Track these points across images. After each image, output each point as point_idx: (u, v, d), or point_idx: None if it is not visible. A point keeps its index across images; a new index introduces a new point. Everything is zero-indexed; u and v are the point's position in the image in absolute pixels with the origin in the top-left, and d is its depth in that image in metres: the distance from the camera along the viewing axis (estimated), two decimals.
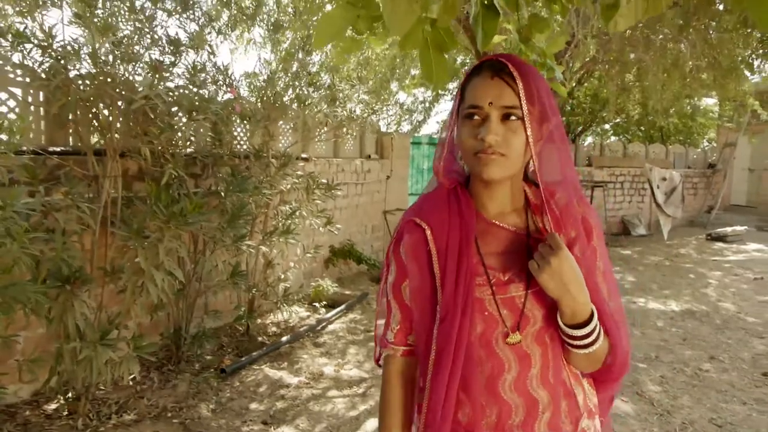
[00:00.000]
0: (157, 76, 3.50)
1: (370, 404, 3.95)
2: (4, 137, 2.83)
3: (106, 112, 3.43)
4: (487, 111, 1.15)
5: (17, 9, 3.76)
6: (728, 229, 12.80)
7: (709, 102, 17.93)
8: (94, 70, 3.44)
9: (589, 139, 18.89)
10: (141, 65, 3.58)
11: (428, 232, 1.25)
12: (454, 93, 1.31)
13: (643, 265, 9.57)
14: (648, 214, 13.40)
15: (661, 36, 7.49)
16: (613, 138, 19.99)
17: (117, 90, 3.37)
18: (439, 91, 12.08)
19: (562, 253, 1.13)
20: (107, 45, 3.30)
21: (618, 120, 17.38)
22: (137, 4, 3.60)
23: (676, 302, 7.10)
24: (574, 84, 10.97)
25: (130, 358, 3.36)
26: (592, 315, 1.17)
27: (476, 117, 1.17)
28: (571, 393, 1.27)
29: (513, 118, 1.15)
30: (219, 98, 4.18)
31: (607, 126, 19.59)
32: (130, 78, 3.53)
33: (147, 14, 3.51)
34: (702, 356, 5.11)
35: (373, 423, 3.69)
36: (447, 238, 1.23)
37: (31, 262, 2.89)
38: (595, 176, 12.41)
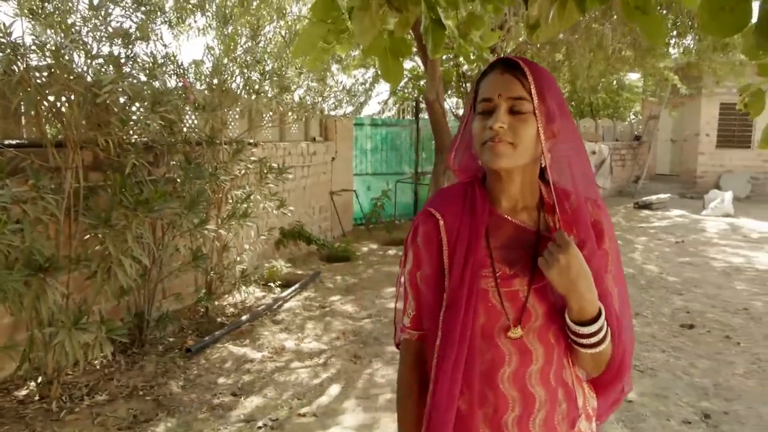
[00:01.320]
0: (116, 69, 3.62)
1: (331, 372, 4.25)
2: None
3: (66, 105, 3.54)
4: (496, 102, 1.20)
5: None
6: (653, 197, 13.67)
7: (634, 77, 18.86)
8: (51, 64, 3.55)
9: None
10: (99, 60, 3.69)
11: (441, 222, 1.30)
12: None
13: None
14: None
15: (587, 17, 7.97)
16: None
17: (78, 84, 3.50)
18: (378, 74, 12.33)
19: (571, 249, 1.16)
20: (65, 40, 3.41)
21: None
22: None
23: None
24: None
25: (102, 340, 3.54)
26: (599, 313, 1.19)
27: (487, 110, 1.22)
28: (572, 395, 1.29)
29: (521, 109, 1.19)
30: (170, 87, 4.31)
31: None
32: (89, 71, 3.65)
33: (100, 8, 3.61)
34: (628, 308, 5.63)
35: (335, 388, 3.99)
36: (458, 229, 1.28)
37: (4, 252, 3.03)
38: None
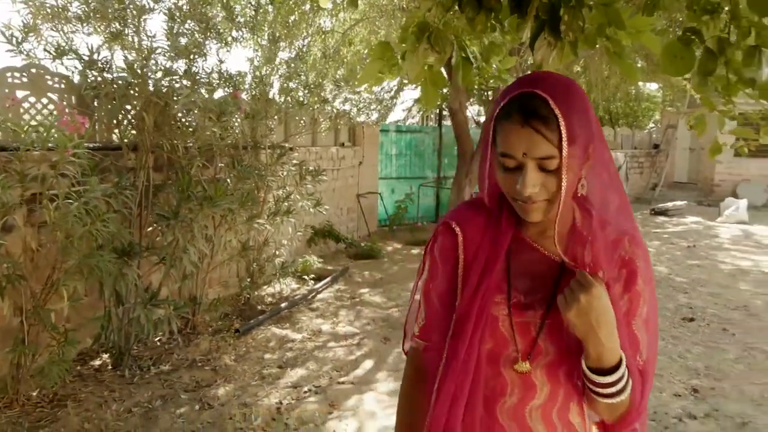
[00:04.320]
0: (191, 84, 4.23)
1: (364, 350, 4.82)
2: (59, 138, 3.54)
3: (144, 114, 4.14)
4: (522, 160, 1.08)
5: (52, 27, 4.43)
6: (669, 204, 14.03)
7: (653, 87, 19.21)
8: (130, 81, 4.16)
9: None
10: (176, 77, 4.30)
11: (460, 238, 1.24)
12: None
13: None
14: None
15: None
16: None
17: (157, 97, 4.11)
18: (403, 81, 12.89)
19: (594, 290, 1.07)
20: (147, 61, 4.03)
21: None
22: (165, 25, 4.31)
23: None
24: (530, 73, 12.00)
25: (171, 316, 4.13)
26: (620, 362, 1.10)
27: (511, 166, 1.11)
28: None
29: (551, 167, 1.07)
30: (228, 99, 4.90)
31: None
32: (164, 86, 4.26)
33: (175, 33, 4.22)
34: None
35: (369, 363, 4.55)
36: (477, 248, 1.21)
37: (96, 238, 3.63)
38: None
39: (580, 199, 1.19)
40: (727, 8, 1.75)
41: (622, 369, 1.10)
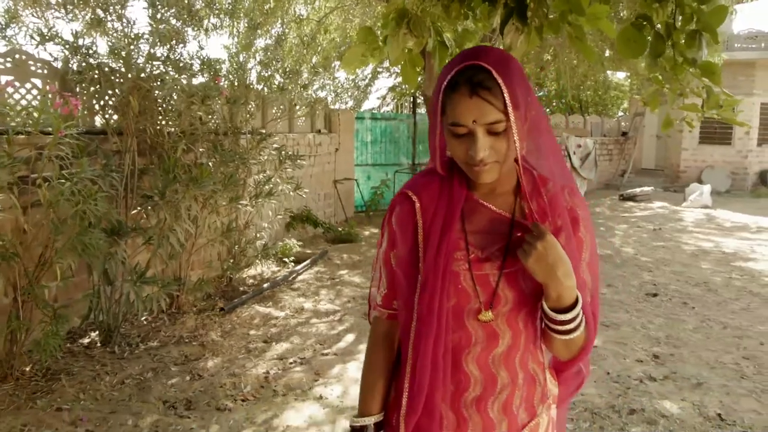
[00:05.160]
0: (176, 70, 4.37)
1: (346, 326, 5.03)
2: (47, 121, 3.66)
3: (131, 99, 4.26)
4: (471, 128, 1.17)
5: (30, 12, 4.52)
6: (637, 190, 14.47)
7: (621, 76, 19.67)
8: (119, 66, 4.28)
9: None
10: (158, 62, 4.43)
11: (417, 205, 1.32)
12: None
13: None
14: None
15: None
16: None
17: (144, 82, 4.23)
18: (377, 70, 13.07)
19: (548, 237, 1.17)
20: (132, 47, 4.15)
21: (540, 93, 18.90)
22: (146, 12, 4.43)
23: None
24: None
25: (159, 294, 4.28)
26: (576, 300, 1.21)
27: (461, 134, 1.19)
28: (534, 381, 1.32)
29: (499, 129, 1.17)
30: (210, 84, 5.04)
31: None
32: (148, 71, 4.39)
33: (159, 19, 4.35)
34: (601, 285, 6.37)
35: (351, 337, 4.76)
36: (434, 211, 1.29)
37: (87, 218, 3.76)
38: None
39: (521, 158, 1.27)
40: None
41: (579, 306, 1.21)
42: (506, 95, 1.15)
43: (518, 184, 1.31)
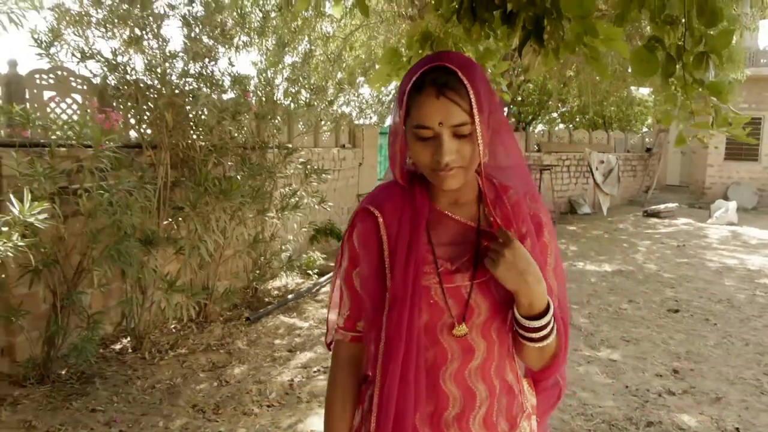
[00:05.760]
0: (210, 87, 4.57)
1: None
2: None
3: (166, 114, 4.46)
4: (438, 130, 1.14)
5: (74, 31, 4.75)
6: (661, 206, 14.39)
7: (645, 92, 19.62)
8: (155, 82, 4.49)
9: (540, 127, 20.40)
10: (191, 79, 4.63)
11: (380, 220, 1.27)
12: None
13: (585, 238, 10.95)
14: (592, 195, 14.87)
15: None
16: (561, 125, 21.58)
17: (178, 98, 4.43)
18: None
19: (515, 244, 1.15)
20: (167, 65, 4.35)
21: (564, 109, 18.94)
22: (180, 30, 4.65)
23: (609, 264, 8.47)
24: (522, 79, 12.35)
25: (190, 302, 4.45)
26: (548, 306, 1.19)
27: (426, 137, 1.16)
28: (512, 391, 1.29)
29: (464, 132, 1.15)
30: (241, 100, 5.22)
31: (555, 114, 21.13)
32: (185, 88, 4.59)
33: (194, 39, 4.55)
34: (623, 300, 6.46)
35: None
36: (398, 226, 1.25)
37: (126, 227, 3.94)
38: (544, 160, 13.79)
39: (483, 166, 1.24)
40: (683, 20, 2.08)
41: (551, 313, 1.19)
42: (472, 97, 1.13)
43: (480, 193, 1.30)
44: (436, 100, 1.13)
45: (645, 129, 22.05)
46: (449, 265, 1.24)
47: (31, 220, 2.77)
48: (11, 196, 2.92)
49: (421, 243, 1.23)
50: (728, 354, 4.82)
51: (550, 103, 15.95)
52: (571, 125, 20.61)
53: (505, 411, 1.27)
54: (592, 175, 13.20)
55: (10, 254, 2.62)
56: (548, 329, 1.19)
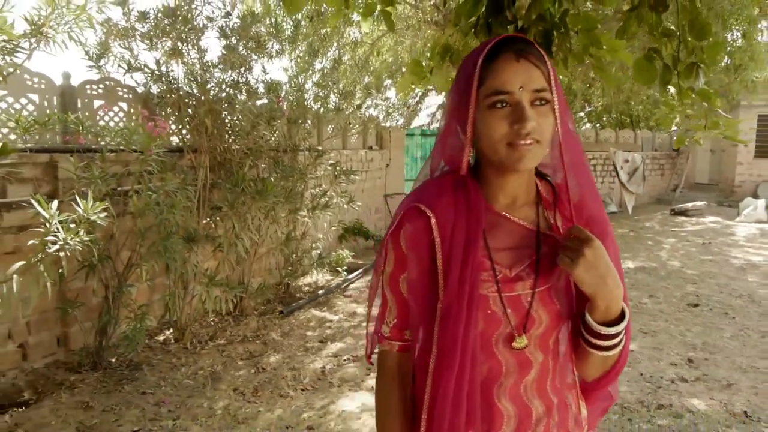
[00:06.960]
0: (248, 95, 4.89)
1: None
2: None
3: (206, 120, 4.79)
4: (518, 97, 1.06)
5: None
6: (689, 205, 14.37)
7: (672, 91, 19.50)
8: (195, 91, 4.82)
9: None
10: (229, 86, 4.96)
11: (433, 220, 1.15)
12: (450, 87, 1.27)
13: None
14: (618, 194, 14.93)
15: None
16: (588, 125, 21.58)
17: (217, 105, 4.76)
18: (428, 89, 13.51)
19: (596, 243, 1.05)
20: (207, 73, 4.68)
21: (590, 108, 18.98)
22: (218, 41, 4.98)
23: (633, 261, 8.60)
24: None
25: (228, 296, 4.76)
26: (623, 312, 1.11)
27: (504, 104, 1.07)
28: (566, 405, 1.20)
29: (543, 102, 1.08)
30: (275, 106, 5.54)
31: (581, 114, 21.13)
32: (222, 95, 4.92)
33: (231, 49, 4.88)
34: (643, 295, 6.61)
35: None
36: (453, 227, 1.14)
37: (172, 226, 4.27)
38: None
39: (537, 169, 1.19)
40: (678, 33, 2.30)
41: (626, 319, 1.11)
42: (550, 66, 1.09)
43: (538, 194, 1.22)
44: (516, 63, 1.07)
45: (674, 128, 21.93)
46: (508, 272, 1.14)
47: (94, 217, 3.09)
48: (76, 196, 3.25)
49: (479, 247, 1.12)
50: (744, 345, 4.97)
51: (576, 103, 16.07)
52: (597, 124, 20.59)
53: (559, 425, 1.19)
54: (617, 174, 13.28)
55: (78, 248, 2.94)
56: (620, 337, 1.12)
